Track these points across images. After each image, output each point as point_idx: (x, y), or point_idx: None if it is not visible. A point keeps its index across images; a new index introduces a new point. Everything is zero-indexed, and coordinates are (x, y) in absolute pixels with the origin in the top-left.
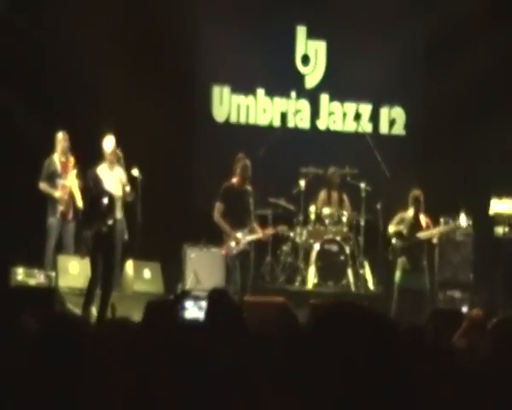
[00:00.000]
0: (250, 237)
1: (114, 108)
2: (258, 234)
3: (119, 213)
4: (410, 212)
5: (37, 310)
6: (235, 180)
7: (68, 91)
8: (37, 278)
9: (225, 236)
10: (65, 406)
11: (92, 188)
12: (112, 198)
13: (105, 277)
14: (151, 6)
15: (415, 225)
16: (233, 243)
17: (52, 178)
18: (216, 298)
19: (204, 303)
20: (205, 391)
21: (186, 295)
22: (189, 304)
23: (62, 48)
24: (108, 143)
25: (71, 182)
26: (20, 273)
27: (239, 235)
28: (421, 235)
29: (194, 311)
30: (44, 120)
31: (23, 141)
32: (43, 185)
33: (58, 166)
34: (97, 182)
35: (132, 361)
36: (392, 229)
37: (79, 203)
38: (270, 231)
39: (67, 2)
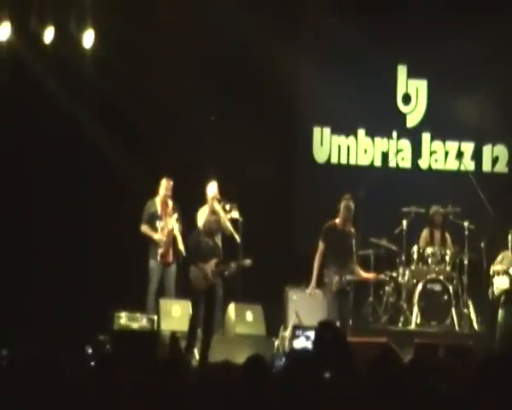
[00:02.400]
0: (350, 277)
1: (216, 152)
2: (359, 276)
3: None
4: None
5: (141, 353)
6: (337, 221)
7: (171, 138)
8: (140, 322)
9: (325, 276)
10: None
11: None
12: (215, 241)
13: (206, 319)
14: (252, 50)
15: None
16: (332, 284)
17: (152, 220)
18: (324, 329)
19: (311, 333)
20: None
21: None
22: (298, 333)
23: (164, 94)
24: (211, 188)
25: (172, 225)
26: (122, 317)
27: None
28: None
29: (302, 340)
30: (146, 166)
31: (125, 186)
32: (144, 228)
33: (158, 209)
34: (210, 224)
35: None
36: (494, 268)
37: (181, 246)
38: (371, 276)
39: (168, 48)
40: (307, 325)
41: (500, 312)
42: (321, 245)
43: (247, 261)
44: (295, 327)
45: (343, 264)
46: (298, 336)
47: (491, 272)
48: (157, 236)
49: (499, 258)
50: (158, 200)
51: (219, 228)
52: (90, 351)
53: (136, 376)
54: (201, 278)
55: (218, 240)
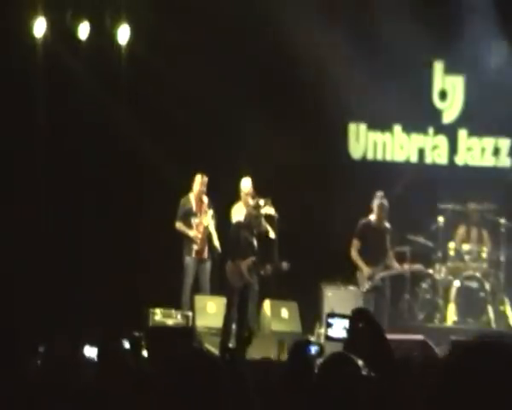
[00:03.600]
0: (383, 273)
1: (251, 148)
2: (393, 269)
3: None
4: None
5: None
6: (372, 217)
7: (204, 133)
8: (175, 318)
9: (359, 273)
10: None
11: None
12: (253, 237)
13: (240, 316)
14: (289, 42)
15: None
16: (366, 280)
17: (187, 216)
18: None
19: (347, 322)
20: None
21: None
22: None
23: (198, 89)
24: (245, 183)
25: (208, 221)
26: (157, 314)
27: (371, 271)
28: None
29: (337, 330)
30: (181, 161)
31: (160, 182)
32: (179, 225)
33: (193, 205)
34: (250, 219)
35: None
36: None
37: (216, 243)
38: (406, 266)
39: (198, 44)
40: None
41: None
42: (356, 242)
43: (285, 264)
44: (329, 315)
45: (377, 261)
46: (331, 325)
47: None
48: (192, 232)
49: None
50: (192, 196)
51: (259, 223)
52: (127, 346)
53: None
54: (237, 275)
55: (254, 236)
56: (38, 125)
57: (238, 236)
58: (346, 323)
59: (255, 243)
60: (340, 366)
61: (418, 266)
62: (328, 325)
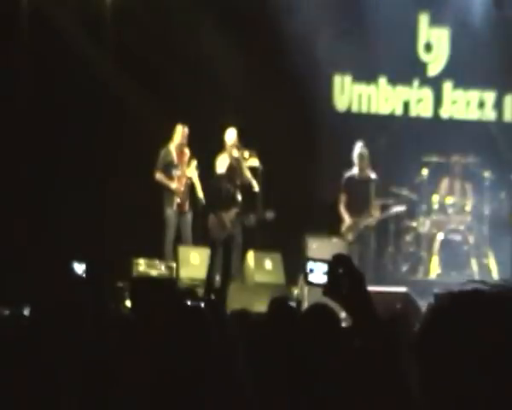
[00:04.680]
0: (366, 222)
1: (236, 99)
2: (376, 218)
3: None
4: None
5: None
6: (355, 170)
7: (190, 83)
8: (159, 269)
9: (343, 224)
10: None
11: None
12: (236, 188)
13: (224, 267)
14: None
15: None
16: (348, 230)
17: (168, 168)
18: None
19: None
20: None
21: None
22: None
23: (183, 39)
24: (230, 134)
25: (191, 173)
26: (141, 264)
27: (352, 222)
28: None
29: (318, 275)
30: (165, 110)
31: (141, 131)
32: (159, 176)
33: (174, 157)
34: (231, 170)
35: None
36: None
37: (200, 194)
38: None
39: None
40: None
41: None
42: (342, 196)
43: (269, 214)
44: (309, 259)
45: (361, 211)
46: (312, 270)
47: None
48: (174, 185)
49: None
50: (173, 147)
51: (241, 174)
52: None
53: (156, 323)
54: (219, 227)
55: (237, 188)
56: (23, 73)
57: (220, 188)
58: (325, 268)
59: (238, 194)
60: (319, 317)
61: (399, 208)
62: (309, 270)
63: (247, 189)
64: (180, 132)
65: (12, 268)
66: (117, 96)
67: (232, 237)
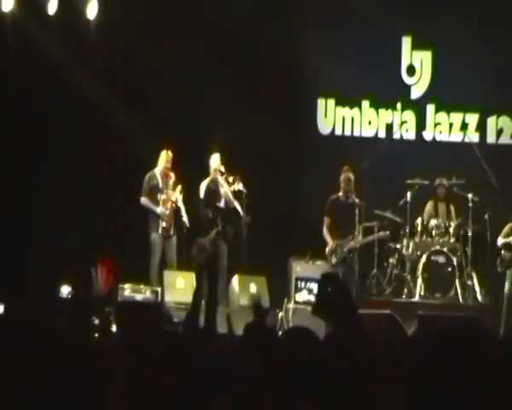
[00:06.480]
0: (350, 245)
1: (221, 124)
2: (359, 241)
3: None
4: None
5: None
6: (340, 194)
7: (176, 109)
8: (144, 294)
9: (327, 248)
10: None
11: (201, 201)
12: (216, 212)
13: (210, 291)
14: (259, 21)
15: None
16: (330, 254)
17: (153, 192)
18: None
19: (314, 286)
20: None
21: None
22: (300, 285)
23: (170, 64)
24: (214, 159)
25: (176, 196)
26: (127, 289)
27: (334, 245)
28: None
29: (304, 293)
30: (151, 136)
31: (128, 156)
32: (144, 200)
33: (159, 181)
34: (209, 195)
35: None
36: (501, 241)
37: (184, 218)
38: (370, 236)
39: (174, 17)
40: (310, 276)
41: (507, 284)
42: (326, 219)
43: (246, 218)
44: (298, 278)
45: (344, 234)
46: (300, 289)
47: (498, 243)
48: (159, 209)
49: (506, 230)
50: (158, 172)
51: (218, 198)
52: (96, 322)
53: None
54: (199, 251)
55: (218, 211)
56: (8, 99)
57: (199, 214)
58: (315, 287)
59: (218, 216)
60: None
61: (383, 234)
62: (298, 290)
63: (231, 211)
64: (164, 158)
65: None
66: (102, 117)
67: (216, 258)
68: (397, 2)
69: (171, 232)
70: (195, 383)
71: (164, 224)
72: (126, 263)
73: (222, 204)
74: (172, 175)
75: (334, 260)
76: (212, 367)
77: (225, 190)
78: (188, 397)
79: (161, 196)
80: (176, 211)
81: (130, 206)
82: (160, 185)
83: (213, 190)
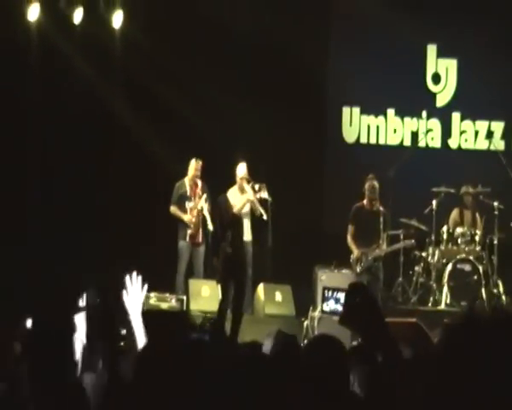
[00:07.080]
0: (375, 253)
1: (246, 133)
2: (384, 250)
3: (247, 236)
4: None
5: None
6: (364, 202)
7: (200, 118)
8: (169, 302)
9: (352, 256)
10: None
11: (222, 212)
12: (240, 221)
13: (236, 300)
14: (282, 31)
15: None
16: (356, 262)
17: (181, 201)
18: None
19: (342, 295)
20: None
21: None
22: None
23: (193, 74)
24: (241, 168)
25: (201, 205)
26: (152, 297)
27: (359, 253)
28: None
29: (331, 303)
30: (179, 147)
31: (155, 166)
32: (173, 209)
33: (188, 190)
34: (227, 206)
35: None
36: None
37: (210, 226)
38: (396, 245)
39: (197, 28)
40: (336, 285)
41: None
42: (350, 227)
43: (259, 212)
44: (325, 288)
45: (369, 243)
46: (327, 299)
47: None
48: (186, 217)
49: None
50: (187, 181)
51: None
52: (123, 332)
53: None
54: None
55: (248, 221)
56: (32, 110)
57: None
58: (342, 296)
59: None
60: (323, 347)
61: (408, 242)
62: (325, 299)
63: (258, 222)
64: (193, 166)
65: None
66: (127, 130)
67: (244, 267)
68: (423, 14)
69: (199, 240)
70: (219, 390)
71: (190, 231)
72: (152, 272)
73: (247, 209)
74: (200, 183)
75: (358, 268)
76: (236, 376)
77: (249, 196)
78: (211, 405)
79: (189, 204)
80: (202, 219)
81: (157, 216)
82: (188, 193)
83: (238, 200)
